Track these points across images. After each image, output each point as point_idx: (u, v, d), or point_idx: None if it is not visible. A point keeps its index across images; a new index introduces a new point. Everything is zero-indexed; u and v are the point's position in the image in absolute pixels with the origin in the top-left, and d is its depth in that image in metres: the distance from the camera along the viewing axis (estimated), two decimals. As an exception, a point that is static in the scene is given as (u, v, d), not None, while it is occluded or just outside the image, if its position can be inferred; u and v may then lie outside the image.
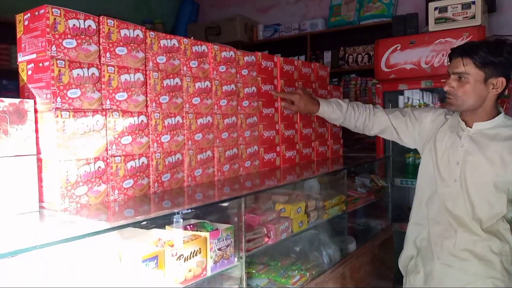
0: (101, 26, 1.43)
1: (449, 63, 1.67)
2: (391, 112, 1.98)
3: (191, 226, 1.54)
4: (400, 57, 3.12)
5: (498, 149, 1.57)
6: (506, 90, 3.37)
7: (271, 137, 2.26)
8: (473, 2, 2.94)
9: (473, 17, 2.94)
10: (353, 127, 2.06)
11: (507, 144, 1.56)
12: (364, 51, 4.03)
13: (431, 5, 3.10)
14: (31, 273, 1.09)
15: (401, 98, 3.48)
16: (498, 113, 1.65)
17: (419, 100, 3.51)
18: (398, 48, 3.13)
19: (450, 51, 1.66)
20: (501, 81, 1.56)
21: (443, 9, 3.05)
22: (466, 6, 2.97)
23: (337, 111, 2.04)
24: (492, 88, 1.58)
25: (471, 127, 1.65)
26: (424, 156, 1.82)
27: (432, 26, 3.09)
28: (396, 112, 1.96)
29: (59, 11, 1.31)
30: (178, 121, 1.70)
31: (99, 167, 1.40)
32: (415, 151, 3.32)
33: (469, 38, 2.85)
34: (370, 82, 3.94)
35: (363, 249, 2.52)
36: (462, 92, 1.59)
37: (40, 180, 1.30)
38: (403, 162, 3.42)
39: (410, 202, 3.54)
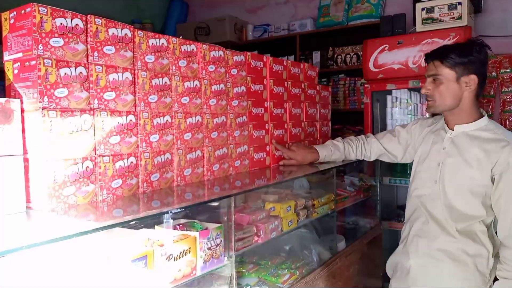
0: (88, 25, 1.42)
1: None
2: (383, 137, 2.06)
3: (181, 225, 1.53)
4: (388, 57, 3.15)
5: (476, 152, 1.58)
6: (492, 90, 3.44)
7: (261, 137, 2.26)
8: (460, 3, 2.99)
9: (460, 17, 2.99)
10: (355, 159, 2.20)
11: (485, 149, 1.57)
12: (353, 51, 4.06)
13: (418, 6, 3.14)
14: (19, 274, 1.07)
15: (389, 97, 3.51)
16: (481, 115, 1.67)
17: (407, 99, 3.56)
18: (386, 48, 3.16)
19: (424, 56, 1.72)
20: (473, 79, 1.60)
21: (430, 10, 3.09)
22: (452, 7, 3.02)
23: (336, 152, 2.18)
24: (466, 86, 1.61)
25: (453, 130, 1.68)
26: (414, 161, 1.86)
27: (419, 27, 3.12)
28: (387, 135, 2.04)
29: (45, 10, 1.30)
30: (167, 120, 1.69)
31: (87, 167, 1.39)
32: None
33: (456, 38, 2.89)
34: (358, 82, 3.97)
35: (353, 248, 2.54)
36: (438, 93, 1.64)
37: (27, 180, 1.29)
38: (392, 161, 3.46)
39: (398, 201, 3.60)
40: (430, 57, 1.68)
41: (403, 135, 1.95)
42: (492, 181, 1.55)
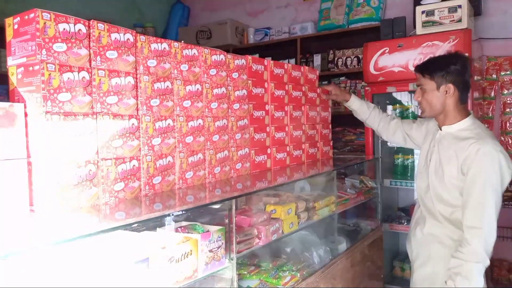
0: (91, 30, 1.44)
1: None
2: (404, 121, 2.33)
3: (182, 228, 1.55)
4: (388, 60, 3.17)
5: (452, 149, 1.81)
6: (493, 92, 3.44)
7: (262, 140, 2.28)
8: (460, 6, 3.00)
9: (460, 20, 3.00)
10: (376, 126, 2.43)
11: (461, 146, 1.78)
12: (353, 54, 4.07)
13: (419, 9, 3.16)
14: (22, 276, 1.09)
15: (389, 100, 3.52)
16: (466, 116, 1.87)
17: (407, 102, 3.56)
18: (387, 51, 3.18)
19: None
20: (451, 87, 1.83)
21: (430, 13, 3.11)
22: (452, 10, 3.03)
23: (364, 106, 2.45)
24: (446, 94, 1.84)
25: (442, 130, 1.93)
26: (418, 157, 2.12)
27: (419, 30, 3.14)
28: (408, 121, 2.33)
29: (49, 15, 1.32)
30: (169, 124, 1.71)
31: (90, 170, 1.40)
32: (404, 153, 3.39)
33: (456, 41, 2.90)
34: (359, 84, 3.99)
35: (353, 250, 2.55)
36: (425, 101, 1.91)
37: (30, 183, 1.30)
38: (392, 163, 3.47)
39: (399, 203, 3.60)
40: (416, 69, 1.95)
41: (419, 124, 2.19)
42: (463, 174, 1.76)
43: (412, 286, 2.05)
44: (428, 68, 1.87)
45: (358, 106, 2.45)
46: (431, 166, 1.91)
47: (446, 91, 1.83)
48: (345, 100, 2.53)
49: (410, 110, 3.48)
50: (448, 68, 1.82)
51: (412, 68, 3.06)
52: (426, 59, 2.01)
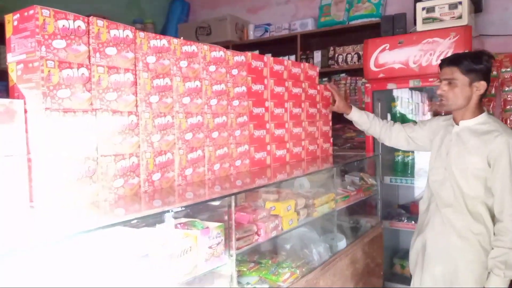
0: (90, 27, 1.44)
1: (439, 72, 2.00)
2: (405, 125, 2.39)
3: (182, 224, 1.55)
4: (388, 56, 3.15)
5: (476, 142, 1.87)
6: (493, 90, 3.45)
7: (262, 136, 2.28)
8: (460, 3, 2.98)
9: (460, 17, 2.99)
10: (378, 134, 2.48)
11: (483, 138, 1.86)
12: (354, 50, 4.06)
13: (419, 5, 3.14)
14: (22, 273, 1.09)
15: (390, 97, 3.52)
16: (482, 112, 1.95)
17: (408, 99, 3.56)
18: (387, 47, 3.16)
19: (440, 62, 2.00)
20: (482, 84, 1.89)
21: (431, 9, 3.09)
22: (453, 6, 3.02)
23: (364, 117, 2.51)
24: (476, 90, 1.90)
25: (459, 125, 1.97)
26: (431, 152, 2.15)
27: (420, 26, 3.12)
28: (409, 124, 2.39)
29: (48, 12, 1.31)
30: (168, 120, 1.71)
31: (89, 166, 1.41)
32: (404, 150, 3.39)
33: (456, 37, 2.89)
34: (359, 81, 3.97)
35: (353, 247, 2.55)
36: (452, 94, 1.92)
37: (30, 179, 1.30)
38: (393, 160, 3.46)
39: (400, 200, 3.60)
40: (447, 62, 1.95)
41: (422, 126, 2.27)
42: (489, 165, 1.82)
43: (428, 275, 2.03)
44: (464, 62, 1.89)
45: (358, 117, 2.52)
46: (450, 158, 1.95)
47: (477, 88, 1.88)
48: (346, 113, 2.59)
49: (410, 108, 3.47)
50: (482, 65, 1.88)
51: (412, 65, 3.06)
52: (455, 54, 2.02)
